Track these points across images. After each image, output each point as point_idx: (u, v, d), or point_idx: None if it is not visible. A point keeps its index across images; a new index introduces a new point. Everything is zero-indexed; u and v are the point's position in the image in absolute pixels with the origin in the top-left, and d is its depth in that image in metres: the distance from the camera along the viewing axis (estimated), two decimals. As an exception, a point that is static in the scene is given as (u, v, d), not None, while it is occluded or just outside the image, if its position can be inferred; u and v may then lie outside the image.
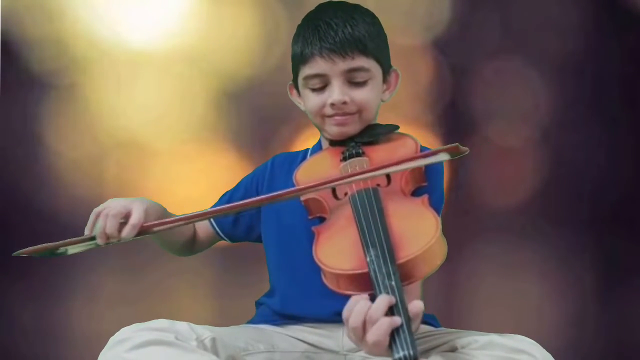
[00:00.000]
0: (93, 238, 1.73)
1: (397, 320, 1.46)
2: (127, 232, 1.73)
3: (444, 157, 1.69)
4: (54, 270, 3.04)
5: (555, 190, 3.19)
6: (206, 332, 1.74)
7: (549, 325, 3.02)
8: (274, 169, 1.99)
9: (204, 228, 2.04)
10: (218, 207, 1.85)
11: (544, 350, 1.70)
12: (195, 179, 3.13)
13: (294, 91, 1.94)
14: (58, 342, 2.95)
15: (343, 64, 1.82)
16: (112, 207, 1.76)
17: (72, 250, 1.72)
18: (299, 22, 1.93)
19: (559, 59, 3.18)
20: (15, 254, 1.72)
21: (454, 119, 3.20)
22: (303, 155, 1.98)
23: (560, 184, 3.19)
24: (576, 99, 3.20)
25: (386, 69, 1.90)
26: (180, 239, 2.00)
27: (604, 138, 3.19)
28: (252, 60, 3.17)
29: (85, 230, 1.75)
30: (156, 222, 1.76)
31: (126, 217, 1.75)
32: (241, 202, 1.81)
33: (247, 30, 3.17)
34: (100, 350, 1.71)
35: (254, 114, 3.20)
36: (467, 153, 1.69)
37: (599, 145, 3.19)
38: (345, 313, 1.50)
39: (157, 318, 1.73)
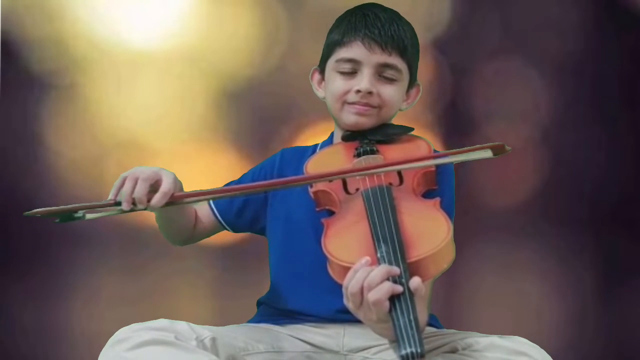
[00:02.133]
0: (118, 204, 1.65)
1: (398, 287, 1.49)
2: (157, 199, 1.68)
3: (487, 153, 1.69)
4: (54, 270, 3.04)
5: (555, 190, 3.19)
6: (206, 331, 1.74)
7: (549, 325, 3.02)
8: (283, 162, 1.99)
9: (205, 216, 2.00)
10: (241, 185, 1.80)
11: (545, 352, 1.70)
12: (195, 179, 3.13)
13: (317, 76, 1.95)
14: (58, 342, 2.95)
15: (380, 57, 1.84)
16: (141, 171, 1.71)
17: (90, 215, 1.64)
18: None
19: (559, 59, 3.19)
20: (27, 213, 1.64)
21: (454, 119, 3.20)
22: (313, 150, 1.98)
23: (560, 184, 3.19)
24: (576, 99, 3.21)
25: (412, 79, 1.91)
26: (182, 220, 1.97)
27: (604, 138, 3.19)
28: (252, 60, 3.17)
29: (109, 195, 1.68)
30: (186, 193, 1.73)
31: (156, 184, 1.71)
32: (253, 184, 1.79)
33: (247, 30, 3.17)
34: (100, 350, 1.71)
35: (254, 114, 3.20)
36: (510, 151, 1.69)
37: (599, 145, 3.19)
38: (345, 281, 1.53)
39: (157, 318, 1.73)
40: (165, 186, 1.69)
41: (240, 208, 1.97)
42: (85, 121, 3.17)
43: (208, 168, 3.16)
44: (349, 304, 1.54)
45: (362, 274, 1.51)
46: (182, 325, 1.72)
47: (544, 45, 3.18)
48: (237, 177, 2.02)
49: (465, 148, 1.71)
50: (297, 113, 3.00)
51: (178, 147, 3.18)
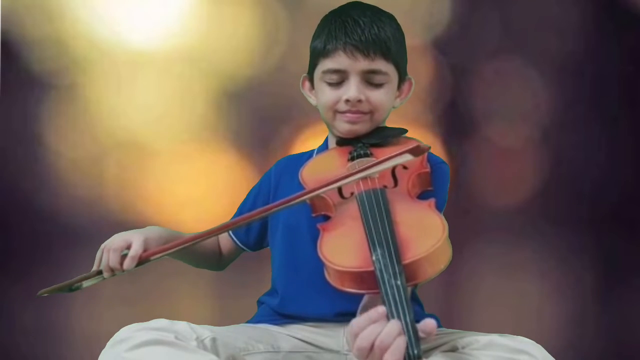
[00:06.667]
0: (100, 272, 1.86)
1: (404, 340, 1.44)
2: (127, 264, 1.82)
3: (407, 157, 1.71)
4: (53, 270, 3.04)
5: (555, 190, 3.19)
6: (206, 331, 1.75)
7: (549, 325, 3.02)
8: (279, 173, 1.99)
9: (225, 242, 2.06)
10: (222, 224, 1.82)
11: (545, 350, 1.70)
12: (195, 179, 3.13)
13: (307, 84, 1.95)
14: (58, 342, 2.95)
15: (364, 63, 1.84)
16: (113, 241, 1.86)
17: (86, 284, 1.86)
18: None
19: (559, 59, 3.19)
20: (39, 294, 1.86)
21: (454, 119, 3.20)
22: (309, 156, 1.98)
23: (560, 184, 3.19)
24: (576, 99, 3.21)
25: (402, 76, 1.91)
26: (203, 256, 2.04)
27: (604, 138, 3.19)
28: (252, 60, 3.17)
29: (94, 265, 1.87)
30: (154, 250, 1.83)
31: (128, 248, 1.84)
32: (247, 214, 1.80)
33: (247, 30, 3.17)
34: (100, 350, 1.72)
35: (254, 114, 3.20)
36: (429, 149, 1.73)
37: (599, 145, 3.19)
38: (354, 329, 1.47)
39: (157, 318, 1.73)
40: (132, 250, 1.83)
41: (248, 225, 1.98)
42: (85, 121, 3.17)
43: (208, 168, 3.16)
44: (353, 352, 1.48)
45: (375, 329, 1.45)
46: (182, 326, 1.72)
47: (544, 45, 3.18)
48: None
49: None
50: (297, 113, 3.00)
51: (178, 147, 3.18)
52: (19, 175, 3.13)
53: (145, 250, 1.83)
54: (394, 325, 1.45)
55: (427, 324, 1.45)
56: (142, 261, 1.83)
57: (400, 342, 1.43)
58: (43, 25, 3.13)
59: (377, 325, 1.45)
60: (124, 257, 1.83)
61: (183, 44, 3.18)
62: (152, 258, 1.83)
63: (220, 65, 3.18)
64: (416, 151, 1.70)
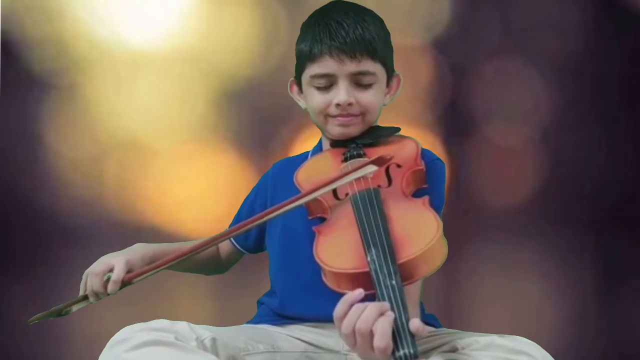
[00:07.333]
0: (86, 297, 1.89)
1: (391, 314, 1.45)
2: (110, 287, 1.86)
3: (371, 168, 1.72)
4: (53, 271, 3.04)
5: (555, 190, 3.19)
6: (206, 332, 1.74)
7: (549, 325, 3.02)
8: (275, 177, 2.00)
9: (225, 246, 2.08)
10: (217, 235, 1.82)
11: (544, 351, 1.70)
12: (195, 179, 3.13)
13: (295, 88, 1.95)
14: (58, 342, 2.95)
15: (351, 66, 1.83)
16: (96, 266, 1.89)
17: (75, 308, 1.89)
18: (299, 22, 1.93)
19: (559, 59, 3.19)
20: (29, 321, 1.88)
21: (454, 119, 3.20)
22: (304, 158, 1.98)
23: (560, 184, 3.19)
24: (576, 99, 3.21)
25: (390, 73, 1.91)
26: (198, 265, 2.06)
27: (604, 138, 3.19)
28: (252, 60, 3.17)
29: (80, 290, 1.91)
30: (137, 272, 1.85)
31: (111, 271, 1.87)
32: (242, 222, 1.79)
33: (247, 30, 3.17)
34: (101, 350, 1.72)
35: (254, 114, 3.20)
36: (391, 159, 1.74)
37: (599, 145, 3.19)
38: (336, 315, 1.48)
39: (157, 318, 1.73)
40: (114, 275, 1.86)
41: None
42: (85, 121, 3.17)
43: (208, 168, 3.16)
44: (342, 338, 1.49)
45: (356, 312, 1.46)
46: (182, 326, 1.72)
47: (544, 45, 3.18)
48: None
49: (349, 169, 1.74)
50: (297, 113, 2.99)
51: (178, 147, 3.18)
52: (19, 175, 3.13)
53: (128, 272, 1.86)
54: (373, 307, 1.45)
55: (412, 324, 1.45)
56: (125, 284, 1.85)
57: (386, 325, 1.43)
58: (43, 25, 3.13)
59: (356, 310, 1.46)
60: (108, 280, 1.86)
61: (183, 44, 3.18)
62: (134, 280, 1.85)
63: (220, 65, 3.18)
64: (379, 162, 1.72)
